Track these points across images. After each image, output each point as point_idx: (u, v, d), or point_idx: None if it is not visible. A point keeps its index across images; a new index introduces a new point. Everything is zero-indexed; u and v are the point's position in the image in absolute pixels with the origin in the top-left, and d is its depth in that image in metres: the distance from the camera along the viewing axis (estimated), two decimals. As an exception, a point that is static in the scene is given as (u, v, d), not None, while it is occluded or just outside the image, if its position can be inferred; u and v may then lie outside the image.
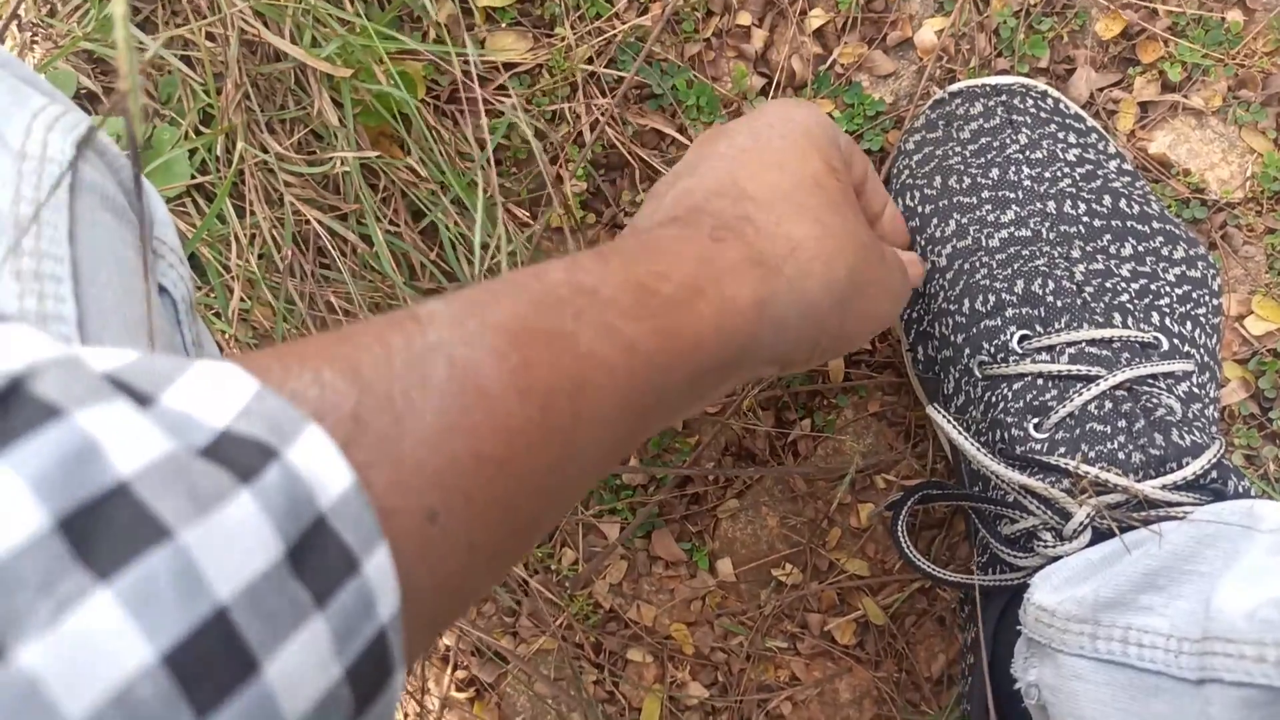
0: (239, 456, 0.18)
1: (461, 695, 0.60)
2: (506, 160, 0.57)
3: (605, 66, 0.56)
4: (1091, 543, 0.42)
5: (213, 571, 0.16)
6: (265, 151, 0.53)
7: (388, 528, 0.20)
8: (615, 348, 0.27)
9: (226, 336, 0.55)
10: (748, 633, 0.59)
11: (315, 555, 0.18)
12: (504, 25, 0.57)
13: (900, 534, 0.50)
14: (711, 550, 0.59)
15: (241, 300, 0.53)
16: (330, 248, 0.51)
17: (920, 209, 0.52)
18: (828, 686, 0.58)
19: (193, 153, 0.56)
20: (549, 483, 0.25)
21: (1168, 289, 0.49)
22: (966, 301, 0.49)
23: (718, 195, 0.36)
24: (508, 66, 0.57)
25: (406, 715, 0.60)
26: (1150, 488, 0.42)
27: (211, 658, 0.15)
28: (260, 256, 0.54)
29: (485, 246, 0.48)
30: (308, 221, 0.52)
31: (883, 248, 0.41)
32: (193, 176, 0.56)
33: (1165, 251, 0.49)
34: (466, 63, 0.56)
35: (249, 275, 0.51)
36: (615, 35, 0.56)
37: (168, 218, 0.34)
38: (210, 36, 0.55)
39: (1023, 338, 0.47)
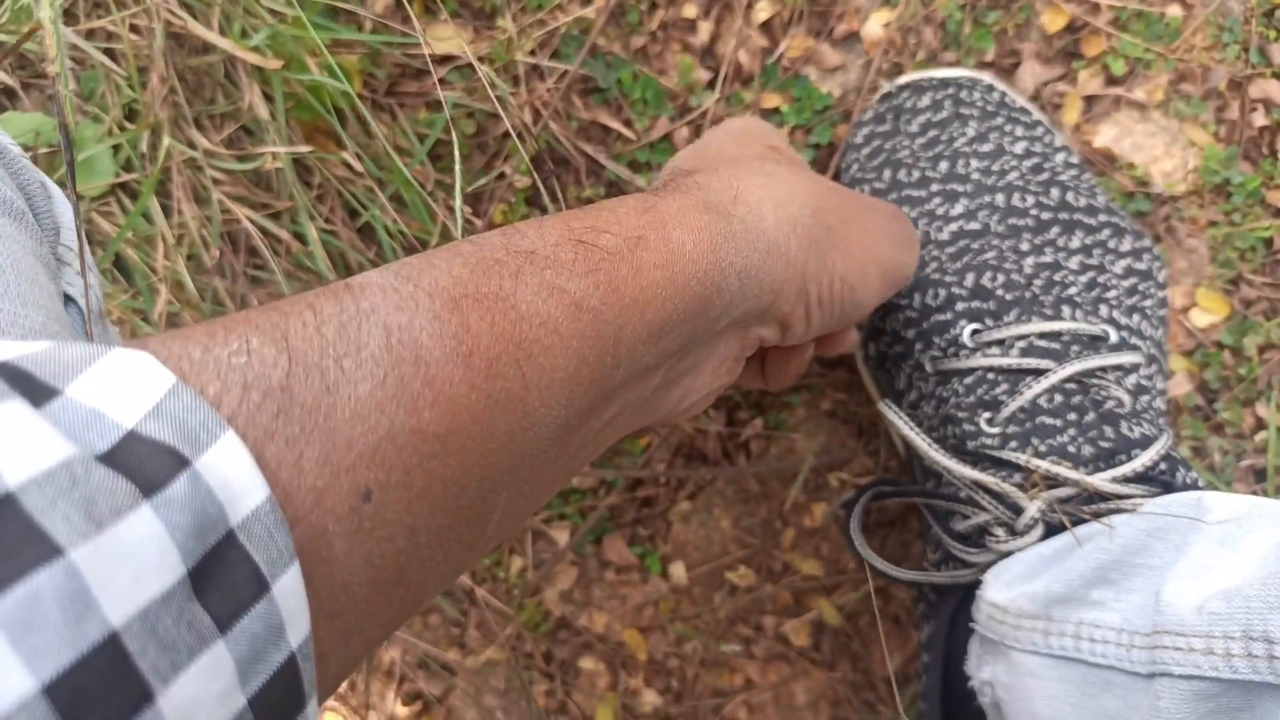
0: (145, 464, 0.16)
1: (407, 710, 0.59)
2: (446, 155, 0.56)
3: (548, 59, 0.55)
4: (1043, 537, 0.42)
5: (106, 594, 0.14)
6: (193, 148, 0.51)
7: (319, 507, 0.19)
8: (560, 306, 0.26)
9: (155, 341, 0.53)
10: (701, 637, 0.58)
11: (221, 576, 0.16)
12: (443, 17, 0.55)
13: (854, 533, 0.49)
14: (664, 554, 0.58)
15: (169, 303, 0.50)
16: (262, 247, 0.49)
17: (869, 203, 0.51)
18: (783, 689, 0.58)
19: (116, 149, 0.53)
20: (502, 459, 0.24)
21: (1115, 281, 0.49)
22: (917, 296, 0.48)
23: (663, 178, 0.36)
24: (447, 59, 0.55)
25: (351, 730, 0.59)
26: (1100, 480, 0.41)
27: (100, 688, 0.14)
28: (189, 257, 0.51)
29: (425, 242, 0.47)
30: (238, 220, 0.50)
31: (862, 196, 0.40)
32: (117, 174, 0.53)
33: (1112, 244, 0.49)
34: (407, 53, 0.55)
35: (176, 277, 0.49)
36: (558, 27, 0.55)
37: (74, 222, 0.32)
38: (134, 28, 0.52)
39: (974, 332, 0.46)
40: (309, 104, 0.49)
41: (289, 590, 0.17)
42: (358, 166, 0.48)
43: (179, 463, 0.16)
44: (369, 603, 0.21)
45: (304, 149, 0.46)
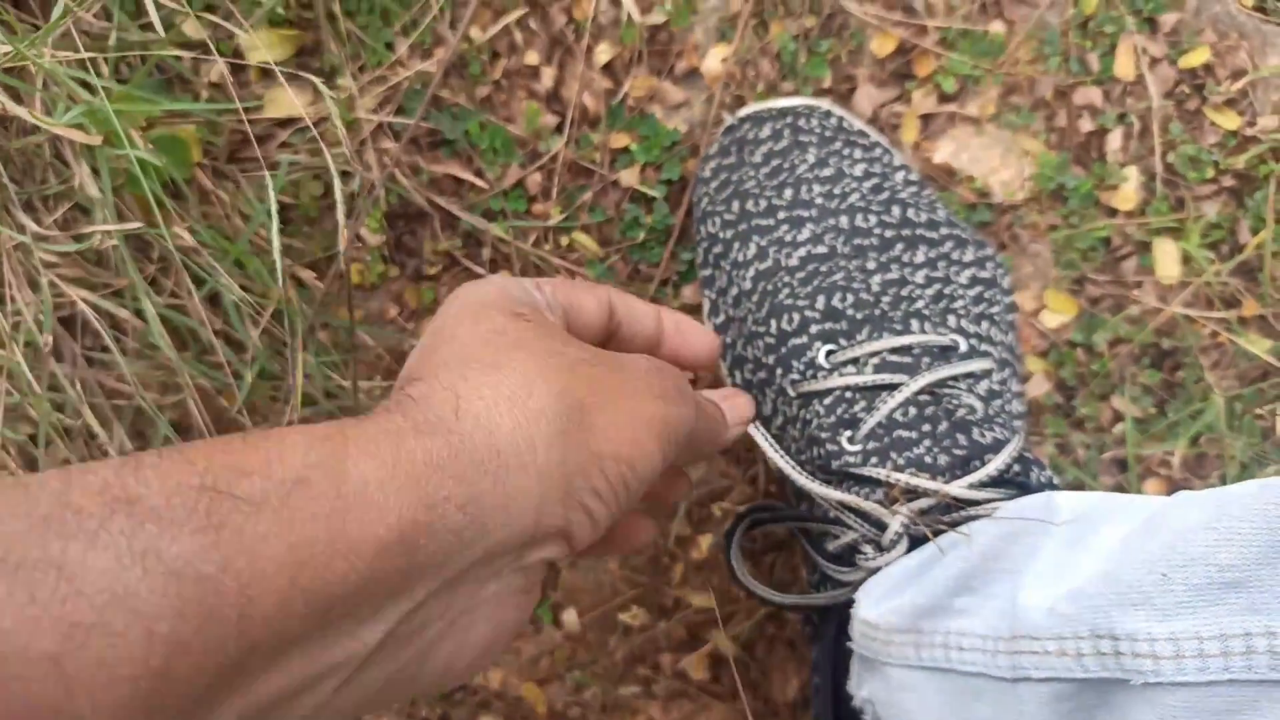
0: None
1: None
2: (297, 219, 0.55)
3: (393, 115, 0.55)
4: (910, 550, 0.43)
5: None
6: (23, 232, 0.49)
7: None
8: (148, 575, 0.20)
9: (-3, 435, 0.50)
10: (600, 683, 0.57)
11: None
12: (280, 80, 0.54)
13: (734, 561, 0.49)
14: (555, 602, 0.57)
15: (9, 394, 0.48)
16: (101, 329, 0.47)
17: (722, 234, 0.52)
18: (685, 726, 0.57)
19: (-57, 239, 0.51)
20: None
21: (961, 291, 0.50)
22: (773, 322, 0.49)
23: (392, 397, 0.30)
24: (289, 123, 0.54)
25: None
26: (957, 488, 0.42)
27: None
28: (27, 344, 0.49)
29: (262, 309, 0.46)
30: (74, 302, 0.48)
31: (616, 356, 0.34)
32: (-55, 265, 0.51)
33: (955, 255, 0.51)
34: (246, 118, 0.54)
35: (12, 366, 0.47)
36: (400, 83, 0.55)
37: None
38: (-47, 113, 0.50)
39: (829, 352, 0.47)
40: (138, 178, 0.48)
41: None
42: (189, 239, 0.47)
43: None
44: None
45: (131, 225, 0.44)
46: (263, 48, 0.53)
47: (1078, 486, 0.57)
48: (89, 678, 0.19)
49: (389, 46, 0.55)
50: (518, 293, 0.34)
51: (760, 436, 0.47)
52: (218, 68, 0.53)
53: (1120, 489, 0.57)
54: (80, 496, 0.20)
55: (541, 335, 0.32)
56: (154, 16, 0.41)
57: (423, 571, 0.25)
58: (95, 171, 0.48)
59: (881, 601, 0.41)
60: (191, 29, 0.53)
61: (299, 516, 0.23)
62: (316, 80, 0.44)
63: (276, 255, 0.35)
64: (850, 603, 0.46)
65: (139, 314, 0.48)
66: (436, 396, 0.28)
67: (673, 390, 0.35)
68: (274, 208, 0.36)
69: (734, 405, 0.41)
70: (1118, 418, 0.57)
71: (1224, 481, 0.56)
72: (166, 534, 0.21)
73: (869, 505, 0.43)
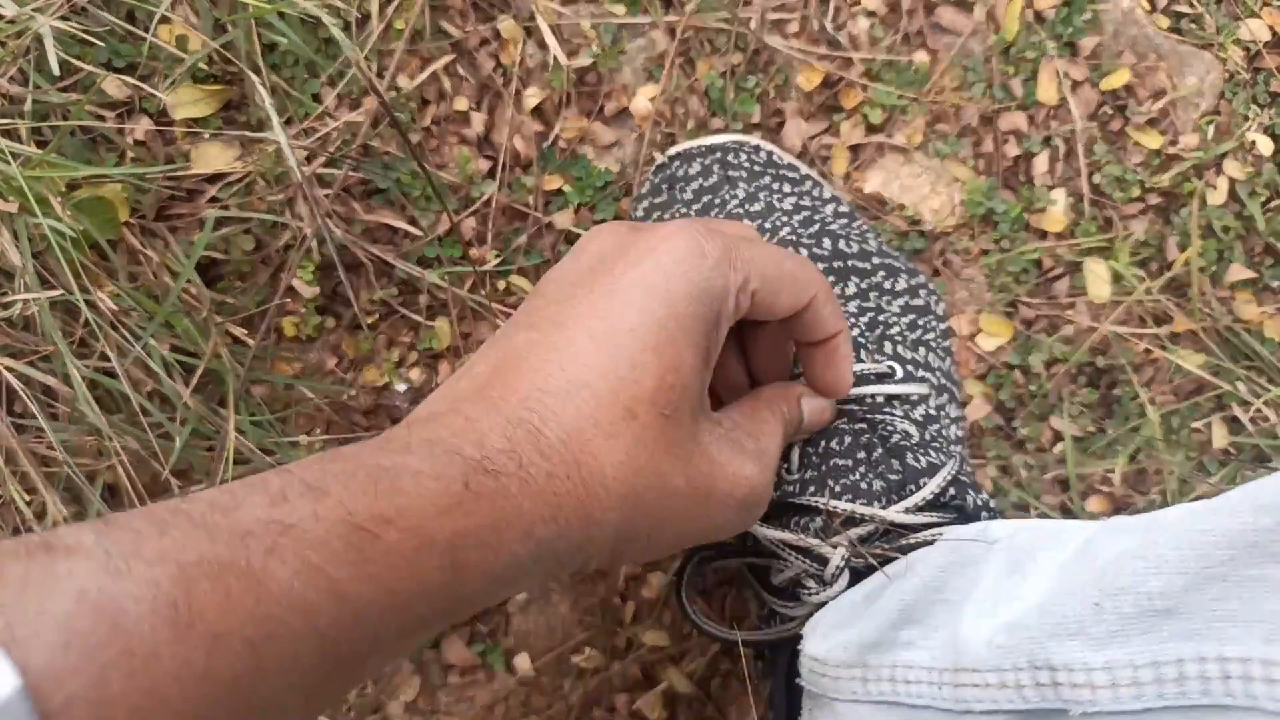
0: None
1: None
2: (229, 274, 0.54)
3: (324, 166, 0.54)
4: (852, 583, 0.43)
5: None
6: (-57, 300, 0.48)
7: None
8: (319, 591, 0.24)
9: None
10: (557, 727, 0.56)
11: None
12: (207, 135, 0.54)
13: (685, 599, 0.49)
14: (506, 648, 0.57)
15: (-67, 467, 0.47)
16: (28, 397, 0.46)
17: (658, 273, 0.52)
18: (644, 768, 0.56)
19: None
20: None
21: (895, 319, 0.50)
22: (711, 358, 0.49)
23: (508, 404, 0.31)
24: (218, 177, 0.54)
25: None
26: (894, 513, 0.42)
27: None
28: (-49, 415, 0.48)
29: (194, 369, 0.45)
30: None
31: (722, 469, 0.35)
32: None
33: (888, 285, 0.51)
34: (173, 175, 0.53)
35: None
36: (329, 134, 0.54)
37: None
38: None
39: (766, 385, 0.47)
40: (60, 244, 0.47)
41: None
42: (110, 304, 0.46)
43: None
44: None
45: (54, 293, 0.44)
46: (188, 104, 0.53)
47: (1022, 507, 0.57)
48: (276, 664, 0.22)
49: (316, 98, 0.54)
50: (710, 300, 0.33)
51: None
52: (143, 125, 0.53)
53: (1063, 508, 0.57)
54: (247, 521, 0.23)
55: (677, 465, 0.33)
56: (54, 66, 0.40)
57: (502, 594, 0.30)
58: (17, 236, 0.47)
59: (829, 635, 0.41)
60: (113, 88, 0.52)
61: (427, 570, 0.26)
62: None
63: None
64: (799, 638, 0.46)
65: (67, 380, 0.47)
66: (557, 474, 0.30)
67: (750, 500, 0.37)
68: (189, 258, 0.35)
69: (815, 409, 0.43)
70: (1057, 437, 0.57)
71: (1164, 496, 0.57)
72: (328, 561, 0.24)
73: (810, 541, 0.43)
